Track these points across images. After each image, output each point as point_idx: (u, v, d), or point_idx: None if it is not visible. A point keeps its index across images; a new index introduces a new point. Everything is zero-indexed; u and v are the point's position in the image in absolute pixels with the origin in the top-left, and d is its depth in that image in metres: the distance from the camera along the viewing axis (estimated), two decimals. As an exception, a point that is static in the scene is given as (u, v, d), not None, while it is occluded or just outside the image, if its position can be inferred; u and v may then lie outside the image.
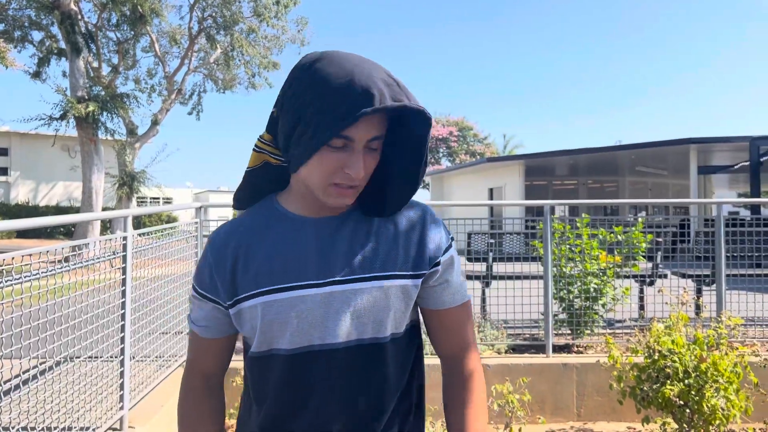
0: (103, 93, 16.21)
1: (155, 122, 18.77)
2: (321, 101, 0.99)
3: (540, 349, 5.06)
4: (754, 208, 14.67)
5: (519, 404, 3.89)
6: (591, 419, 4.68)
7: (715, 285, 5.30)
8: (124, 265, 3.38)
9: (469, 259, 6.36)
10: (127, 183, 17.80)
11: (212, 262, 1.15)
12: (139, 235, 3.92)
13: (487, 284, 5.94)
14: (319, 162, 1.03)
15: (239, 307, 1.12)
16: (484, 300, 5.93)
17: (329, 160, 1.03)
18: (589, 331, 5.29)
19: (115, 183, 18.02)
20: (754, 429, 4.32)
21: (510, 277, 5.68)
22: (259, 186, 1.20)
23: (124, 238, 3.38)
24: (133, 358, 3.70)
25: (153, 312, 4.04)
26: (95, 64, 17.90)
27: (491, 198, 22.26)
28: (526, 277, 5.54)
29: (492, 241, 6.27)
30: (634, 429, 4.36)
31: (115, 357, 3.43)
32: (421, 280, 1.16)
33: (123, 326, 3.39)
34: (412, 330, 1.22)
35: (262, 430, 1.17)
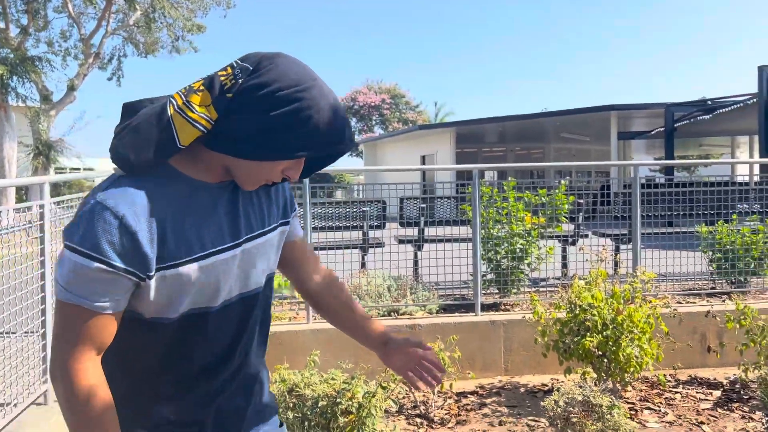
0: (12, 56, 15.23)
1: (72, 88, 17.79)
2: (307, 129, 1.10)
3: (469, 308, 5.22)
4: (668, 171, 15.50)
5: (450, 361, 4.03)
6: (518, 373, 4.89)
7: (631, 243, 5.60)
8: (41, 234, 3.22)
9: (401, 224, 6.45)
10: (44, 153, 16.91)
11: (135, 230, 1.06)
12: (57, 203, 3.74)
13: (419, 248, 6.05)
14: (273, 164, 1.16)
15: (164, 273, 1.11)
16: (416, 263, 6.05)
17: (280, 165, 1.17)
18: (515, 290, 5.49)
19: (29, 153, 17.10)
20: (665, 375, 4.64)
21: (441, 241, 5.82)
22: (168, 153, 1.12)
23: (41, 207, 3.21)
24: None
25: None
26: (2, 25, 16.74)
27: (423, 177, 22.51)
28: (456, 240, 5.68)
29: (423, 206, 6.37)
30: (557, 380, 4.59)
31: (36, 331, 3.31)
32: (289, 225, 1.41)
33: (43, 298, 3.25)
34: None
35: (195, 391, 1.25)
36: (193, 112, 1.09)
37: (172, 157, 1.14)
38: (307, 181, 5.03)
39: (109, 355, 1.16)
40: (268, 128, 1.09)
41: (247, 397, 1.34)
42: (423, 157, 22.95)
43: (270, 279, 1.37)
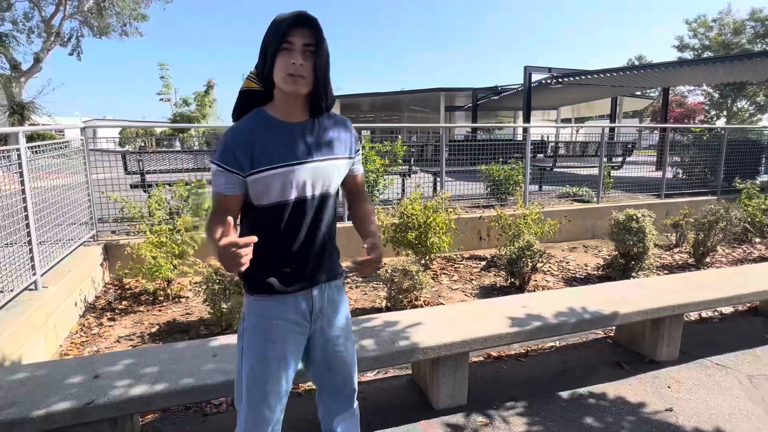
0: (-21, 31, 12.69)
1: (38, 60, 15.22)
2: (273, 29, 1.23)
3: (340, 219, 5.46)
4: (473, 131, 16.41)
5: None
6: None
7: (440, 177, 6.05)
8: (20, 170, 2.97)
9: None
10: (18, 111, 14.50)
11: (234, 149, 1.25)
12: (31, 148, 3.43)
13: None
14: (278, 64, 1.23)
15: (256, 176, 1.27)
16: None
17: (283, 60, 1.23)
18: (370, 207, 5.80)
19: (5, 111, 14.61)
20: (455, 254, 5.22)
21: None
22: (250, 103, 1.32)
23: (18, 149, 2.95)
24: (42, 243, 3.36)
25: (55, 207, 3.64)
26: (-33, 4, 13.77)
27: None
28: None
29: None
30: (393, 260, 5.00)
31: (23, 240, 3.11)
32: (353, 160, 1.45)
33: (26, 216, 3.04)
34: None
35: (284, 252, 1.36)
36: (251, 75, 1.31)
37: (265, 107, 1.32)
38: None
39: (244, 229, 1.36)
40: (265, 45, 1.25)
41: (320, 260, 1.41)
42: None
43: (336, 192, 1.43)
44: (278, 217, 1.32)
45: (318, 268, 1.42)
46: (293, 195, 1.31)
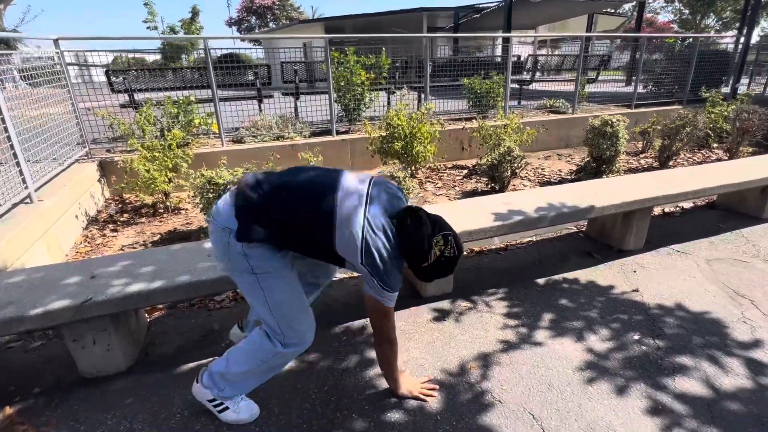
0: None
1: (11, -17, 13.28)
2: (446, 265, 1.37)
3: (329, 132, 5.13)
4: (455, 50, 15.29)
5: (316, 162, 4.00)
6: (359, 168, 5.00)
7: (423, 92, 5.62)
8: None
9: (284, 81, 5.91)
10: (3, 41, 12.96)
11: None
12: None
13: (297, 97, 5.67)
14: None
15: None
16: (296, 107, 5.71)
17: None
18: (358, 120, 5.43)
19: (-11, 40, 13.02)
20: (439, 164, 4.99)
21: (310, 93, 5.48)
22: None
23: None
24: (28, 161, 3.01)
25: (39, 123, 3.24)
26: None
27: (304, 48, 20.39)
28: (322, 92, 5.36)
29: (296, 68, 5.82)
30: (380, 168, 4.79)
31: (11, 159, 2.77)
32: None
33: (6, 128, 2.67)
34: None
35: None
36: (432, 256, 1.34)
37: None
38: (209, 58, 4.34)
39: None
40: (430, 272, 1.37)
41: None
42: (304, 44, 20.71)
43: None
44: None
45: None
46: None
